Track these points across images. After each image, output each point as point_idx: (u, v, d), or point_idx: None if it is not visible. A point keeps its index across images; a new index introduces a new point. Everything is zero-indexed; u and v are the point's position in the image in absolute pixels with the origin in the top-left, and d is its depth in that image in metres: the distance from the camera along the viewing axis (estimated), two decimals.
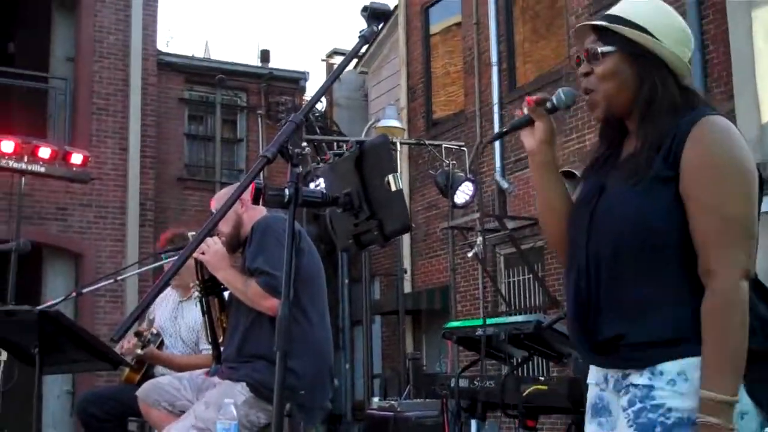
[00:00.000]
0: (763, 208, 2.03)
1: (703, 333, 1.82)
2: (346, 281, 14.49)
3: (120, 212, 12.12)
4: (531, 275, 10.40)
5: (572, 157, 9.39)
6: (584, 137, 9.56)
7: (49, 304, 4.42)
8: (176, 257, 1.95)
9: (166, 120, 13.96)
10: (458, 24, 12.65)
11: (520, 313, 10.50)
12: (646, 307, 1.90)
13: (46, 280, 11.83)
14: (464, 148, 10.90)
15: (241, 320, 3.66)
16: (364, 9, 2.28)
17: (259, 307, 3.51)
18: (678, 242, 1.89)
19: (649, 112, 1.97)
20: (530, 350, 5.18)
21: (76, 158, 9.42)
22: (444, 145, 10.39)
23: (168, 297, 4.98)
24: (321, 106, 15.74)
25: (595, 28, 2.05)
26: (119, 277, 6.25)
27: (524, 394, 4.62)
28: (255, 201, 2.22)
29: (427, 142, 11.01)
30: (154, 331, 4.57)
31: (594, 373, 2.10)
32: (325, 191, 2.60)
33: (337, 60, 17.21)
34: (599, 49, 2.01)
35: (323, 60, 18.63)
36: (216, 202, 3.85)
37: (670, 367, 1.86)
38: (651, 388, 1.87)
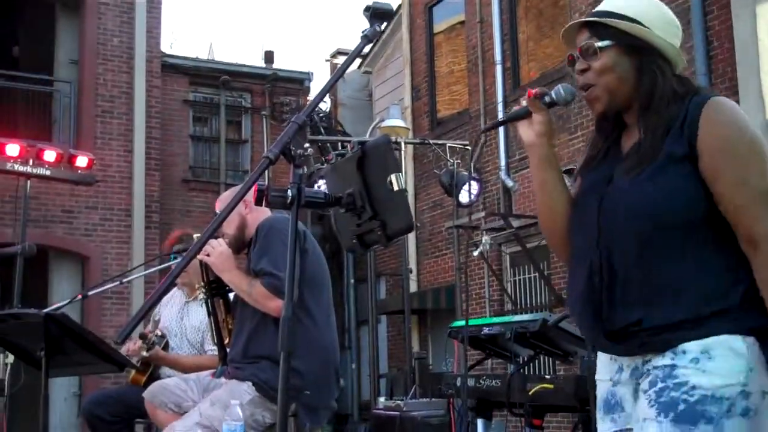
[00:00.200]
0: None
1: None
2: (352, 281, 14.51)
3: (125, 214, 12.14)
4: (537, 273, 10.39)
5: (577, 155, 9.37)
6: (589, 136, 9.55)
7: (54, 306, 4.43)
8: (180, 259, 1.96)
9: (171, 122, 13.97)
10: (462, 23, 12.64)
11: (526, 312, 10.50)
12: (668, 290, 1.89)
13: (53, 282, 11.86)
14: (468, 147, 10.89)
15: (246, 321, 3.66)
16: (366, 9, 2.28)
17: (264, 308, 3.51)
18: (697, 220, 1.90)
19: (652, 102, 1.99)
20: (536, 349, 5.17)
21: (81, 161, 9.43)
22: (448, 144, 10.38)
23: (174, 297, 4.99)
24: (325, 106, 15.74)
25: (587, 25, 2.05)
26: (125, 280, 6.24)
27: (530, 392, 4.62)
28: (258, 202, 2.22)
29: (431, 141, 11.01)
30: (159, 333, 4.58)
31: (606, 366, 2.07)
32: (327, 192, 2.60)
33: (341, 60, 17.20)
34: (596, 44, 2.02)
35: (327, 60, 18.66)
36: (220, 203, 3.86)
37: (692, 347, 1.85)
38: (673, 367, 1.86)
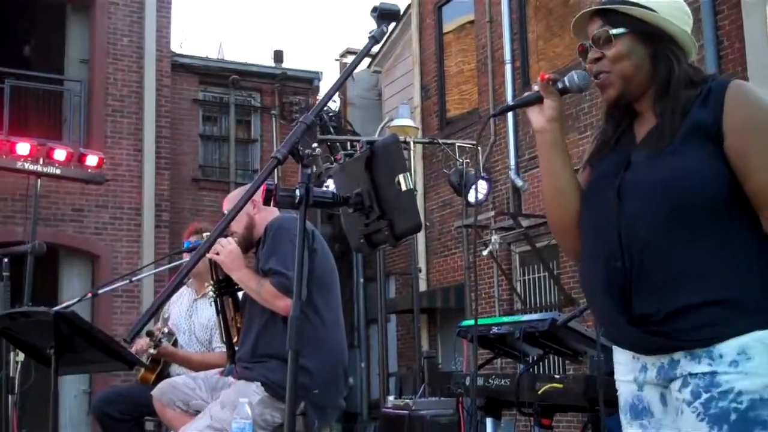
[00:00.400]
0: None
1: None
2: (361, 280, 14.51)
3: (135, 213, 12.18)
4: (546, 273, 10.38)
5: (587, 154, 9.34)
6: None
7: (64, 305, 4.45)
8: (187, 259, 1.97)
9: (181, 121, 14.01)
10: (471, 22, 12.62)
11: (536, 311, 10.48)
12: (695, 278, 1.83)
13: (63, 281, 11.91)
14: (478, 147, 10.88)
15: (255, 320, 3.67)
16: (374, 9, 2.28)
17: (272, 307, 3.52)
18: (722, 201, 1.85)
19: (668, 89, 1.95)
20: (545, 348, 5.16)
21: (92, 160, 9.47)
22: (457, 144, 10.38)
23: (183, 295, 5.00)
24: (335, 105, 15.75)
25: (600, 13, 2.02)
26: (134, 278, 6.28)
27: (539, 392, 4.60)
28: (266, 202, 2.22)
29: (440, 140, 11.00)
30: (166, 330, 4.59)
31: (627, 365, 2.01)
32: (336, 191, 2.61)
33: (351, 60, 17.22)
34: (611, 31, 1.99)
35: (337, 60, 18.67)
36: (228, 203, 3.87)
37: (728, 349, 1.79)
38: (714, 374, 1.80)
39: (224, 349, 4.07)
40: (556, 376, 4.83)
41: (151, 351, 4.43)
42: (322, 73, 15.78)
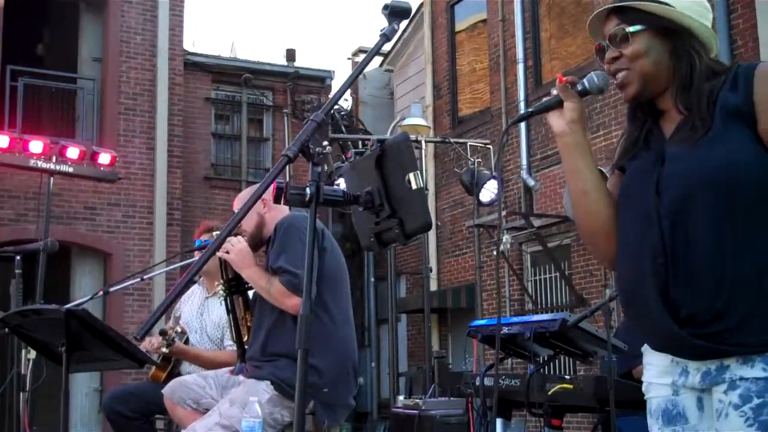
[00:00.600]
0: None
1: None
2: (372, 280, 14.52)
3: (147, 211, 12.22)
4: (557, 273, 10.35)
5: (599, 154, 9.31)
6: (611, 134, 9.49)
7: (76, 302, 4.45)
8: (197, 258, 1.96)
9: (193, 119, 14.04)
10: (484, 21, 12.60)
11: (546, 311, 10.45)
12: (748, 278, 1.76)
13: (75, 279, 11.96)
14: (490, 146, 10.86)
15: (264, 319, 3.67)
16: (385, 7, 2.27)
17: (282, 306, 3.52)
18: (766, 186, 1.78)
19: (691, 84, 1.91)
20: (556, 349, 5.14)
21: (104, 158, 9.49)
22: (469, 143, 10.37)
23: (194, 293, 5.01)
24: (347, 104, 15.75)
25: (615, 12, 1.97)
26: (146, 276, 6.29)
27: (550, 392, 4.59)
28: (276, 200, 2.22)
29: (452, 140, 10.99)
30: (179, 329, 4.60)
31: (665, 368, 1.93)
32: (346, 190, 2.60)
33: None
34: (628, 29, 1.93)
35: (349, 59, 18.65)
36: (238, 201, 3.87)
37: None
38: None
39: (235, 348, 4.07)
40: (567, 377, 4.82)
41: (164, 350, 4.44)
42: (334, 71, 15.82)
